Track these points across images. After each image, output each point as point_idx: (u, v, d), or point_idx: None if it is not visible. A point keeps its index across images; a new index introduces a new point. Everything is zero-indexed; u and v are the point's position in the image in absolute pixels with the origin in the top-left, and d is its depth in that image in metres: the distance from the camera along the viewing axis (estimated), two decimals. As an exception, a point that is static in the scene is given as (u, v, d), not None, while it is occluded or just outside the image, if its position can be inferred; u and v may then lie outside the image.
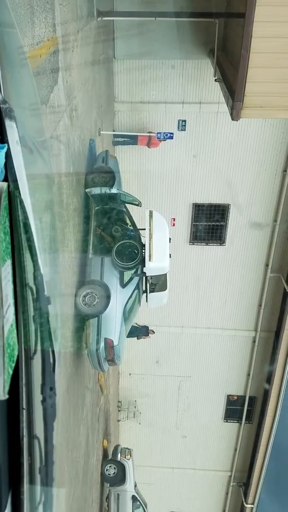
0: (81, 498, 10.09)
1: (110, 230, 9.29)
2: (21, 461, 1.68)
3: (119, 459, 14.24)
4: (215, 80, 10.68)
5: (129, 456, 14.44)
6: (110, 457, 14.57)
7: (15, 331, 1.53)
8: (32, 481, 1.73)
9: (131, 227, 9.37)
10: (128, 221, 9.54)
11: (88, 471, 10.96)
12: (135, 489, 14.61)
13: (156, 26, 11.66)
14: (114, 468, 14.11)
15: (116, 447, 14.71)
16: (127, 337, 9.73)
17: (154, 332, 15.17)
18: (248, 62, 7.56)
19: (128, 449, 14.82)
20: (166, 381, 17.20)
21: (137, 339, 14.66)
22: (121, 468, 14.19)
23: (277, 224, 14.10)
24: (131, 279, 8.98)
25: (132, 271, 8.93)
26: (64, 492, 6.84)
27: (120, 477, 14.18)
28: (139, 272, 8.91)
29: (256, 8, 7.21)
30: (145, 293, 9.31)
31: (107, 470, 14.01)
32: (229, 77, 9.15)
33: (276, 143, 13.27)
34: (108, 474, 14.00)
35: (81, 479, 9.95)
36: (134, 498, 14.43)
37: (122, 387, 17.62)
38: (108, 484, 14.38)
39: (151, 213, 9.11)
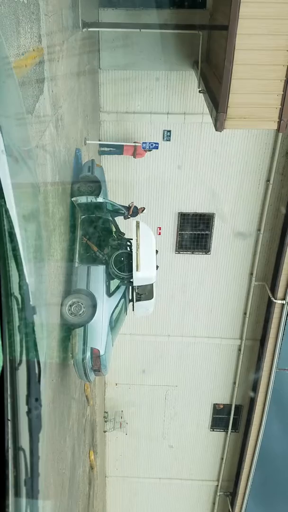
0: (67, 511, 9.94)
1: (98, 239, 9.27)
2: (6, 473, 1.66)
3: None
4: (199, 91, 10.82)
5: None
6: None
7: None
8: (17, 494, 1.71)
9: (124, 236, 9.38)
10: (114, 230, 9.54)
11: (74, 483, 10.81)
12: None
13: (141, 37, 11.79)
14: None
15: None
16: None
17: (144, 209, 11.61)
18: (232, 74, 7.69)
19: None
20: (152, 390, 17.12)
21: (124, 219, 11.42)
22: None
23: (261, 233, 14.25)
24: (117, 288, 8.96)
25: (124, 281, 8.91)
26: (50, 504, 6.74)
27: None
28: (125, 281, 8.90)
29: (239, 21, 7.36)
30: (132, 302, 9.29)
31: None
32: (213, 88, 9.27)
33: (259, 153, 13.45)
34: None
35: (67, 491, 9.81)
36: None
37: (109, 397, 17.49)
38: None
39: (138, 223, 9.12)
